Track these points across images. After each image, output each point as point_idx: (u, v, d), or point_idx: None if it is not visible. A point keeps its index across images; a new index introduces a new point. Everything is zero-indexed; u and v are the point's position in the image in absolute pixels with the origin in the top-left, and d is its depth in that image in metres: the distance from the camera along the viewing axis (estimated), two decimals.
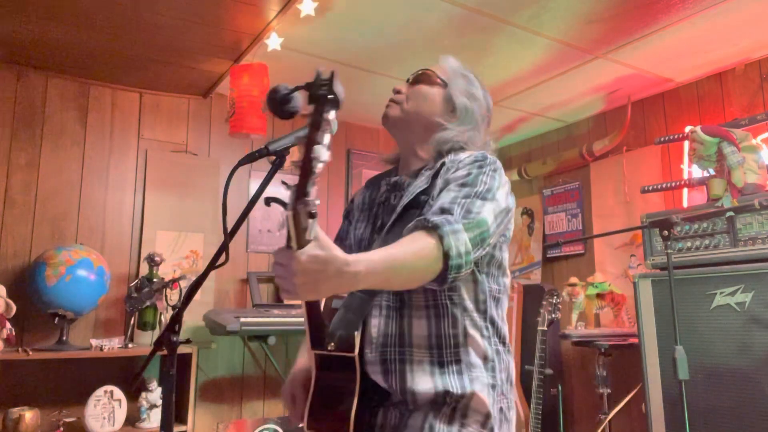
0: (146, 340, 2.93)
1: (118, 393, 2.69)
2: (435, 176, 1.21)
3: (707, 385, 2.39)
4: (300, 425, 1.23)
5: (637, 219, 2.97)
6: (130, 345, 2.81)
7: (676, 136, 3.01)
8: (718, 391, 2.36)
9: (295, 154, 0.80)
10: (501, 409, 1.16)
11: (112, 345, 2.69)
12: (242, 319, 2.73)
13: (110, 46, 2.75)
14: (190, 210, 3.27)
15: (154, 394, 2.78)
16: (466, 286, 1.16)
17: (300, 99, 0.85)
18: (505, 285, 1.25)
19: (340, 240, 1.39)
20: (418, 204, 1.19)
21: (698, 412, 2.37)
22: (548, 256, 3.93)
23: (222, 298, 3.30)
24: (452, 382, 1.11)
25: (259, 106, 2.82)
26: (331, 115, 0.78)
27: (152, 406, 2.76)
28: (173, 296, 2.87)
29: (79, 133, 3.08)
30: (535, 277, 3.96)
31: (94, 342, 2.72)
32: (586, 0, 2.40)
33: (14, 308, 2.47)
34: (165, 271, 3.02)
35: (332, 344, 1.15)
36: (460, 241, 1.02)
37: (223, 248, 1.16)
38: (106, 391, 2.67)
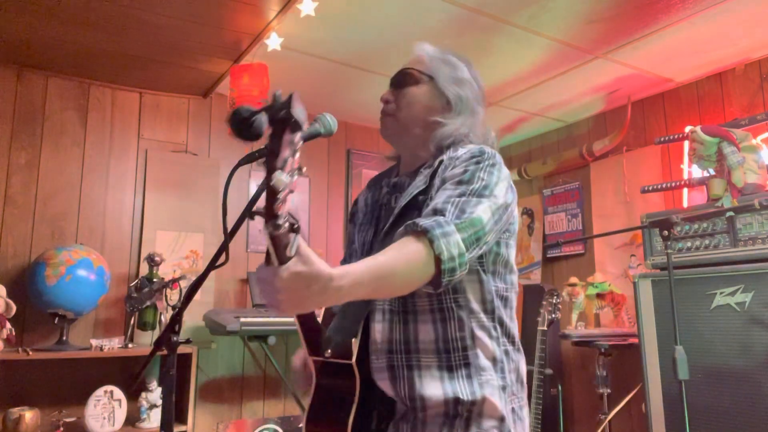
0: (146, 340, 2.93)
1: (118, 393, 2.69)
2: (433, 175, 1.18)
3: (707, 385, 2.39)
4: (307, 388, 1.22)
5: (637, 219, 2.97)
6: (130, 345, 2.81)
7: (676, 136, 3.01)
8: (718, 391, 2.36)
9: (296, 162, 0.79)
10: (513, 409, 1.15)
11: (112, 345, 2.69)
12: (242, 319, 2.73)
13: (110, 46, 2.75)
14: (190, 210, 3.27)
15: (154, 394, 2.78)
16: (472, 287, 1.13)
17: (264, 121, 0.83)
18: (512, 282, 1.22)
19: (351, 243, 1.37)
20: (416, 205, 1.17)
21: (698, 412, 2.37)
22: (548, 256, 3.93)
23: (222, 298, 3.30)
24: (462, 388, 1.08)
25: (260, 106, 2.81)
26: (295, 137, 0.75)
27: (152, 406, 2.76)
28: (173, 296, 2.87)
29: (79, 133, 3.08)
30: (535, 277, 3.96)
31: (94, 342, 2.72)
32: (586, 0, 2.41)
33: (14, 308, 2.47)
34: (165, 271, 3.02)
35: (328, 351, 1.14)
36: (452, 244, 0.99)
37: (223, 248, 1.16)
38: (106, 391, 2.67)
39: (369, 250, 1.24)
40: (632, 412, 3.19)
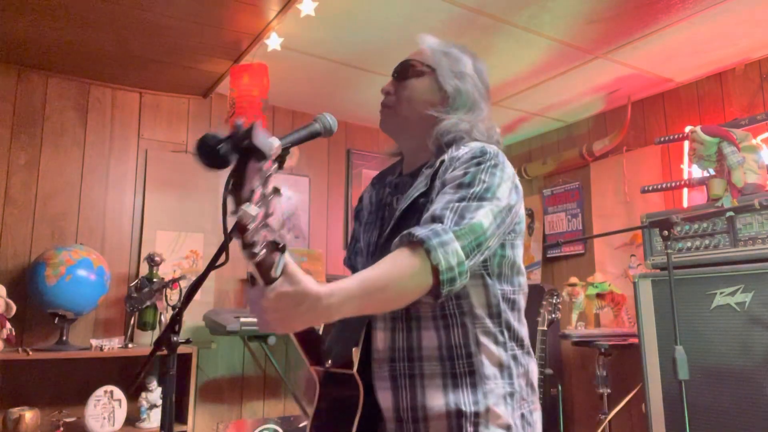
0: (146, 340, 2.93)
1: (118, 393, 2.69)
2: (434, 176, 1.15)
3: (707, 385, 2.39)
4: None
5: (637, 219, 2.97)
6: (130, 345, 2.81)
7: (676, 136, 3.01)
8: (718, 391, 2.36)
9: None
10: (522, 415, 1.11)
11: (112, 345, 2.69)
12: (242, 319, 2.73)
13: (110, 46, 2.75)
14: (190, 210, 3.27)
15: (154, 394, 2.78)
16: (476, 292, 1.10)
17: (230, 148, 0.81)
18: (520, 284, 1.18)
19: (355, 242, 1.35)
20: (417, 208, 1.14)
21: (698, 412, 2.37)
22: (548, 256, 3.93)
23: (222, 298, 3.30)
24: (465, 398, 1.05)
25: (260, 106, 2.82)
26: (263, 165, 0.74)
27: (152, 406, 2.76)
28: (173, 296, 2.87)
29: (79, 133, 3.08)
30: (535, 277, 3.96)
31: (94, 342, 2.72)
32: (586, 0, 2.41)
33: (14, 308, 2.47)
34: (165, 271, 3.02)
35: (329, 361, 1.12)
36: (450, 253, 0.96)
37: (223, 248, 1.16)
38: (106, 391, 2.67)
39: (374, 251, 1.22)
40: (632, 412, 3.19)
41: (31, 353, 2.51)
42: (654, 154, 3.35)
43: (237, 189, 0.73)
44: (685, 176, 3.12)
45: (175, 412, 2.40)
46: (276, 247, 0.78)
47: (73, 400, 2.77)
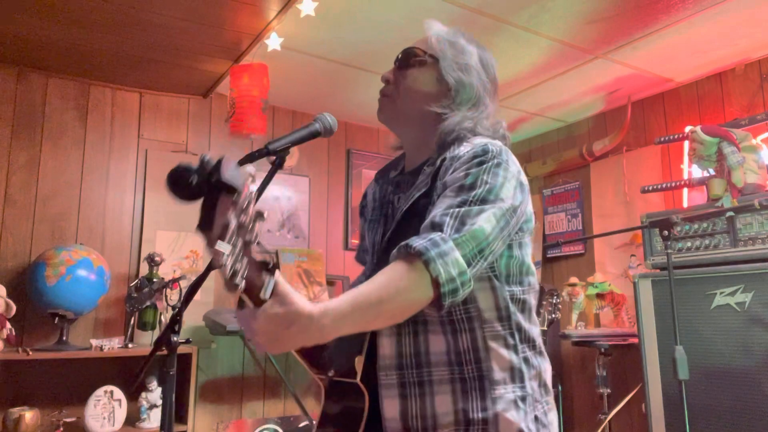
0: (146, 340, 2.93)
1: (118, 393, 2.69)
2: (435, 175, 1.12)
3: (707, 385, 2.39)
4: None
5: (637, 219, 2.97)
6: (130, 345, 2.81)
7: (676, 136, 3.01)
8: (718, 391, 2.36)
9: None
10: (536, 417, 1.08)
11: (112, 345, 2.69)
12: None
13: (110, 46, 2.75)
14: (190, 210, 3.23)
15: (154, 394, 2.78)
16: (484, 295, 1.06)
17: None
18: (530, 284, 1.14)
19: (363, 239, 1.32)
20: (418, 210, 1.11)
21: (698, 412, 2.37)
22: (548, 256, 3.93)
23: (222, 298, 3.30)
24: (473, 405, 1.02)
25: (260, 106, 2.82)
26: (236, 198, 0.70)
27: (152, 406, 2.76)
28: (173, 296, 2.87)
29: (79, 133, 3.08)
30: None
31: (94, 342, 2.72)
32: (586, 0, 2.41)
33: (14, 308, 2.47)
34: (165, 271, 3.02)
35: (332, 371, 1.10)
36: (450, 264, 0.93)
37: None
38: (106, 391, 2.67)
39: (378, 252, 1.20)
40: (632, 412, 3.19)
41: (31, 353, 2.51)
42: (654, 154, 3.35)
43: (207, 226, 0.71)
44: (685, 176, 3.12)
45: (175, 412, 2.40)
46: (265, 267, 0.76)
47: (73, 400, 2.77)
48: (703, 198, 2.80)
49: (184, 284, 2.88)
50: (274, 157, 1.11)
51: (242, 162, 1.14)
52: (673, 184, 2.98)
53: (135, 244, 3.12)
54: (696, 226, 2.60)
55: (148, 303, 2.83)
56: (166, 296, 2.85)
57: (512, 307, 1.08)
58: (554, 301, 3.05)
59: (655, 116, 3.41)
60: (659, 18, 2.54)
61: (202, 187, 0.71)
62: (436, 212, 1.01)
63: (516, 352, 1.07)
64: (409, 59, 1.22)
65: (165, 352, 1.23)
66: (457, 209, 0.99)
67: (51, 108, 3.02)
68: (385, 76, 1.24)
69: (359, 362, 1.07)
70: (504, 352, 1.06)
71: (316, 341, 0.86)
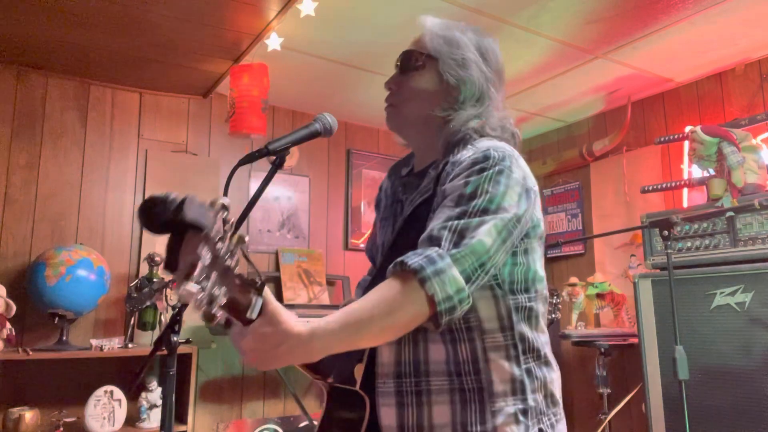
0: (146, 340, 2.93)
1: (118, 393, 2.69)
2: (437, 179, 1.10)
3: (707, 385, 2.39)
4: None
5: (637, 219, 2.97)
6: (130, 345, 2.81)
7: (676, 136, 3.01)
8: (718, 391, 2.36)
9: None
10: (541, 430, 1.04)
11: (112, 345, 2.69)
12: None
13: (110, 46, 2.75)
14: None
15: (154, 394, 2.78)
16: (485, 305, 1.02)
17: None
18: (537, 290, 1.09)
19: (375, 235, 1.31)
20: (419, 216, 1.08)
21: (698, 412, 2.37)
22: (548, 256, 3.93)
23: None
24: (472, 417, 0.99)
25: (260, 106, 2.82)
26: (205, 235, 0.68)
27: (152, 406, 2.76)
28: (173, 296, 2.87)
29: (79, 133, 3.08)
30: None
31: (94, 342, 2.72)
32: (586, 0, 2.41)
33: (14, 308, 2.47)
34: (165, 271, 3.01)
35: (331, 378, 1.10)
36: (447, 282, 0.90)
37: None
38: (106, 391, 2.67)
39: (384, 253, 1.19)
40: (632, 412, 3.19)
41: (31, 353, 2.51)
42: (654, 154, 3.35)
43: (172, 267, 0.69)
44: (685, 176, 3.12)
45: (175, 412, 2.40)
46: (253, 286, 0.75)
47: (73, 400, 2.77)
48: (703, 198, 2.80)
49: None
50: (274, 157, 1.11)
51: (242, 162, 1.13)
52: (673, 184, 2.98)
53: (135, 244, 3.12)
54: (696, 226, 2.60)
55: (148, 303, 2.83)
56: (166, 296, 2.85)
57: (515, 317, 1.04)
58: (554, 301, 3.05)
59: (655, 116, 3.41)
60: (659, 18, 2.54)
61: (167, 227, 0.70)
62: (434, 225, 0.98)
63: (518, 363, 1.03)
64: (408, 62, 1.20)
65: (165, 352, 1.23)
66: (455, 222, 0.96)
67: (51, 108, 3.02)
68: (388, 83, 1.23)
69: (359, 370, 1.06)
70: (505, 363, 1.02)
71: (305, 361, 0.86)
